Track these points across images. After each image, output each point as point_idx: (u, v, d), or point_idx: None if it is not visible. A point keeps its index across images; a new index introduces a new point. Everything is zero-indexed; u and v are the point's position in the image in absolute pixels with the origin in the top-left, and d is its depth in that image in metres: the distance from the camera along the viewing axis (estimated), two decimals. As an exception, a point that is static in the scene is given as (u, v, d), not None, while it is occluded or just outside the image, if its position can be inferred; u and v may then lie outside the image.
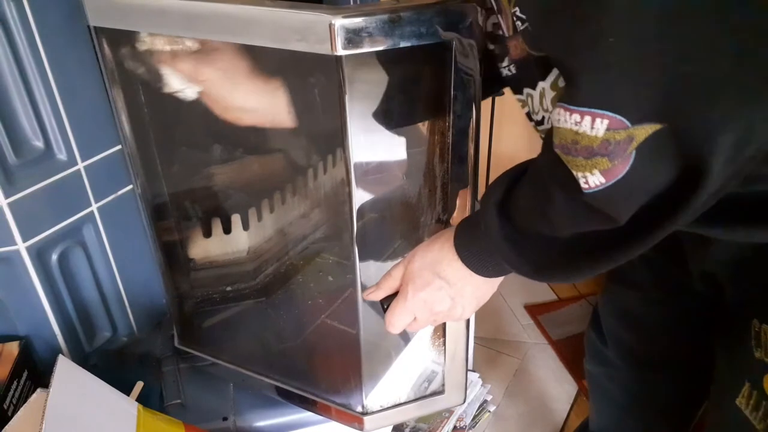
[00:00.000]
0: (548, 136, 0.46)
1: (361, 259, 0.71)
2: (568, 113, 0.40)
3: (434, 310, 0.61)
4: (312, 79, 0.69)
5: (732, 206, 0.47)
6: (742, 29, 0.35)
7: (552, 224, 0.49)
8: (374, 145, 0.68)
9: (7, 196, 0.76)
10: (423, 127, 0.69)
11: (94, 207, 0.88)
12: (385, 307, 0.63)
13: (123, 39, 0.74)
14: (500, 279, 0.60)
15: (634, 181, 0.41)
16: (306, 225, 0.99)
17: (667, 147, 0.39)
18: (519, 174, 0.53)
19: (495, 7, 0.55)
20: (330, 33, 0.54)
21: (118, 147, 0.87)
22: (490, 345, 1.45)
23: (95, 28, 0.71)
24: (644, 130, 0.38)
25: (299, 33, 0.56)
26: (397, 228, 0.79)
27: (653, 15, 0.35)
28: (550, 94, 0.52)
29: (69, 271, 0.88)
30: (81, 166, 0.84)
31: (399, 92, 0.67)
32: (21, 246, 0.79)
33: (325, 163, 0.92)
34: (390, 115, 0.68)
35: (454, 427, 1.15)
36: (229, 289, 1.01)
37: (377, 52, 0.58)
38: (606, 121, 0.38)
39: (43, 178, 0.80)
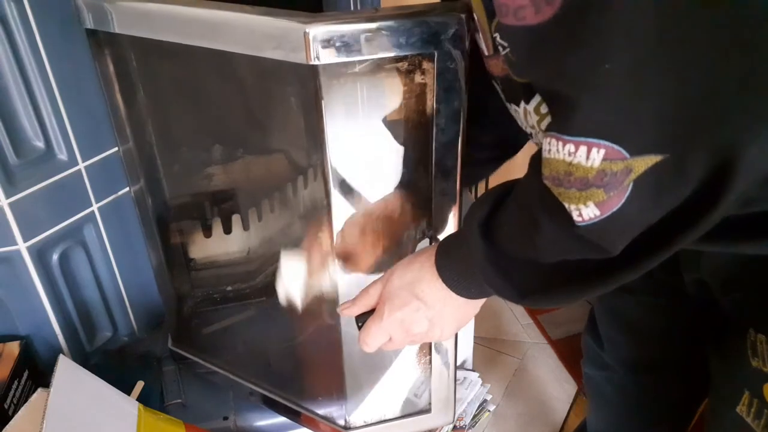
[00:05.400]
0: (534, 162, 0.45)
1: (341, 272, 0.70)
2: (560, 143, 0.38)
3: (411, 331, 0.58)
4: (290, 88, 0.68)
5: (727, 227, 0.46)
6: (744, 50, 0.34)
7: (538, 252, 0.47)
8: (354, 157, 0.66)
9: (7, 196, 0.76)
10: (405, 140, 0.67)
11: (94, 207, 0.88)
12: (360, 324, 0.60)
13: (118, 41, 0.74)
14: (482, 301, 0.58)
15: (630, 213, 0.39)
16: (304, 227, 0.99)
17: (667, 179, 0.37)
18: (504, 194, 0.50)
19: (476, 26, 0.52)
20: (305, 41, 0.52)
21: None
22: (490, 345, 1.45)
23: (89, 30, 0.71)
24: (643, 162, 0.37)
25: (275, 40, 0.55)
26: (379, 242, 0.77)
27: (651, 39, 0.33)
28: (533, 118, 0.50)
29: (70, 271, 0.89)
30: (82, 166, 0.84)
31: (379, 104, 0.65)
32: (22, 246, 0.80)
33: (314, 170, 0.91)
34: (370, 127, 0.66)
35: (454, 426, 1.15)
36: (229, 289, 1.01)
37: (356, 62, 0.56)
38: (603, 151, 0.37)
39: (44, 179, 0.80)
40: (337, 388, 0.82)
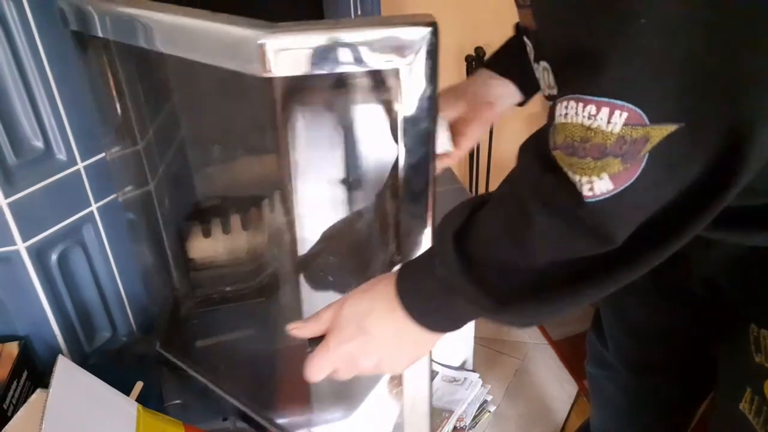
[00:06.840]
0: (526, 149, 0.43)
1: (305, 293, 0.66)
2: (581, 105, 0.37)
3: (359, 365, 0.54)
4: (255, 98, 0.63)
5: (739, 217, 0.44)
6: None
7: (526, 250, 0.43)
8: (317, 175, 0.61)
9: (6, 196, 0.76)
10: (370, 160, 0.62)
11: (93, 207, 0.88)
12: (309, 349, 0.56)
13: (97, 41, 0.72)
14: (441, 336, 0.53)
15: (642, 189, 0.38)
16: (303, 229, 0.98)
17: (681, 151, 0.37)
18: (481, 203, 0.48)
19: None
20: (260, 53, 0.48)
21: (119, 147, 0.87)
22: (490, 345, 1.45)
23: (73, 32, 0.69)
24: (660, 131, 0.36)
25: (230, 50, 0.51)
26: (345, 264, 0.71)
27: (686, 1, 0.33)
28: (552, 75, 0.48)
29: (69, 271, 0.88)
30: (81, 166, 0.84)
31: (342, 121, 0.60)
32: (21, 246, 0.79)
33: (280, 190, 0.83)
34: (332, 145, 0.61)
35: (454, 427, 1.15)
36: (228, 289, 1.01)
37: (317, 76, 0.51)
38: (625, 114, 0.35)
39: (43, 178, 0.80)
40: (305, 412, 0.77)
